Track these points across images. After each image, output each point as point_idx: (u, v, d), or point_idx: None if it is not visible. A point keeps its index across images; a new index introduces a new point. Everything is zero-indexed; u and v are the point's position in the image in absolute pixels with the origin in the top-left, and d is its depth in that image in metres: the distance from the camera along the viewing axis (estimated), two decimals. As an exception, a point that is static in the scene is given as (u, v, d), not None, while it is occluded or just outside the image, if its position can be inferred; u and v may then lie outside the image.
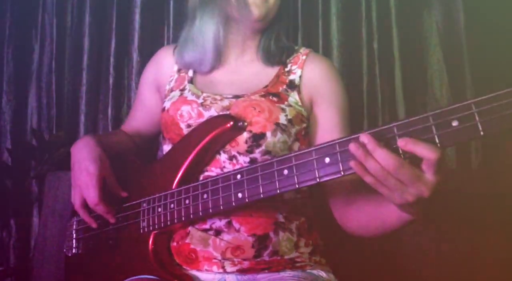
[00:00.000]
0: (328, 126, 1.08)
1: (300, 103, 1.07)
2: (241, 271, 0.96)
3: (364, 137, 0.69)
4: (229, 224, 0.97)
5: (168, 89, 1.16)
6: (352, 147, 0.69)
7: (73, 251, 1.15)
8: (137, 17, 1.77)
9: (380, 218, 0.86)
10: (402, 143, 0.66)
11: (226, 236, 0.96)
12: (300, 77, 1.10)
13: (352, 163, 0.70)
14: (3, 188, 1.71)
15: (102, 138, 1.13)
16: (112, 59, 1.78)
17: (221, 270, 0.96)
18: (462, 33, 1.62)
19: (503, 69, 1.47)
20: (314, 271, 1.01)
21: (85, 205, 1.03)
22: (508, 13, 1.51)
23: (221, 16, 1.10)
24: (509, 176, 1.40)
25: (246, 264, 0.96)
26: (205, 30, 1.11)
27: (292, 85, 1.08)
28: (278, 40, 1.14)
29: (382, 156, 0.67)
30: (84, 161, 1.03)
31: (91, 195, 1.00)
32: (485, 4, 1.58)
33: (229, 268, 0.96)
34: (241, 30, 1.13)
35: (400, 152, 0.68)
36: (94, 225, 1.08)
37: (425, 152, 0.65)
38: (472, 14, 1.61)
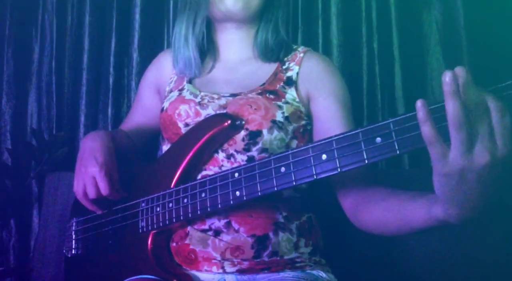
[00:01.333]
0: (329, 117, 1.06)
1: (297, 99, 1.07)
2: (241, 272, 0.96)
3: (460, 69, 0.58)
4: (228, 224, 0.97)
5: (167, 90, 1.17)
6: (448, 75, 0.57)
7: (73, 251, 1.15)
8: (137, 17, 1.76)
9: (405, 216, 0.78)
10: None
11: (225, 237, 0.96)
12: (298, 73, 1.10)
13: (419, 103, 0.60)
14: (3, 188, 1.70)
15: (111, 134, 1.14)
16: (112, 59, 1.77)
17: (220, 271, 0.96)
18: (462, 32, 1.61)
19: (503, 68, 1.47)
20: (314, 272, 1.01)
21: (87, 195, 1.03)
22: (508, 13, 1.51)
23: (200, 20, 1.12)
24: (509, 176, 1.39)
25: (245, 264, 0.96)
26: (181, 39, 1.14)
27: (289, 82, 1.08)
28: (276, 33, 1.14)
29: (476, 92, 0.58)
30: (95, 151, 1.04)
31: (102, 185, 1.00)
32: (485, 4, 1.58)
33: (228, 269, 0.96)
34: (231, 26, 1.14)
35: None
36: (99, 212, 1.07)
37: (489, 99, 0.57)
38: (472, 13, 1.61)
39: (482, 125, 0.58)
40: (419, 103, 0.60)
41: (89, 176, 1.01)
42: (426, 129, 0.60)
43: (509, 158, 0.59)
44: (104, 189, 1.00)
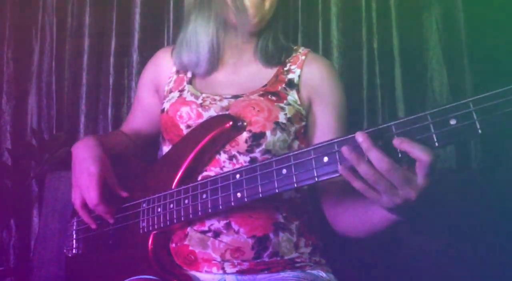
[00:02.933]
0: (323, 126, 1.08)
1: (299, 102, 1.07)
2: (241, 272, 0.96)
3: (360, 136, 0.69)
4: (228, 225, 0.97)
5: (167, 90, 1.16)
6: (345, 150, 0.69)
7: (74, 251, 1.15)
8: (137, 17, 1.77)
9: (367, 219, 0.86)
10: (398, 142, 0.66)
11: (225, 238, 0.96)
12: (299, 76, 1.10)
13: (340, 169, 0.71)
14: (3, 188, 1.71)
15: (103, 139, 1.13)
16: (112, 59, 1.77)
17: (220, 271, 0.96)
18: (462, 32, 1.62)
19: (503, 68, 1.47)
20: (314, 271, 1.01)
21: (85, 205, 1.04)
22: (508, 13, 1.51)
23: (218, 20, 1.10)
24: (509, 176, 1.40)
25: (245, 265, 0.96)
26: (199, 33, 1.12)
27: (291, 84, 1.08)
28: (276, 41, 1.14)
29: (376, 157, 0.67)
30: (85, 161, 1.03)
31: (91, 195, 1.00)
32: (485, 4, 1.58)
33: (228, 269, 0.96)
34: (238, 33, 1.13)
35: (398, 151, 0.67)
36: (93, 226, 1.08)
37: (420, 153, 0.65)
38: (472, 14, 1.61)
39: (396, 175, 0.68)
40: (341, 170, 0.71)
41: (85, 187, 1.02)
42: (357, 185, 0.71)
43: (430, 185, 0.69)
44: (92, 198, 1.00)
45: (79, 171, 1.03)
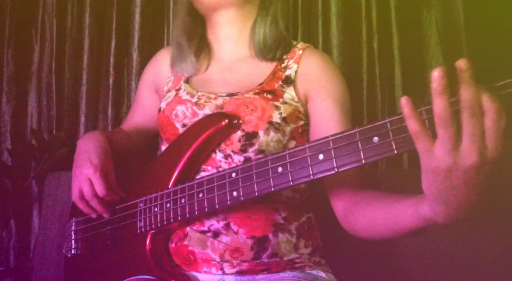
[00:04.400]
0: (326, 120, 1.03)
1: (296, 99, 1.04)
2: (240, 273, 0.96)
3: (462, 63, 0.56)
4: (227, 226, 0.96)
5: (165, 90, 1.17)
6: (437, 73, 0.56)
7: (72, 252, 1.15)
8: (137, 17, 1.77)
9: (395, 216, 0.76)
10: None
11: (224, 238, 0.96)
12: (296, 72, 1.07)
13: (403, 99, 0.60)
14: (3, 188, 1.71)
15: (108, 135, 1.14)
16: (112, 59, 1.77)
17: (220, 272, 0.96)
18: (462, 32, 1.61)
19: (503, 69, 1.46)
20: (314, 272, 1.01)
21: (83, 197, 1.03)
22: (508, 13, 1.51)
23: (184, 11, 1.11)
24: (509, 176, 1.39)
25: (245, 265, 0.95)
26: (174, 34, 1.14)
27: (288, 81, 1.06)
28: (274, 26, 1.10)
29: (473, 90, 0.55)
30: (90, 153, 1.03)
31: (99, 186, 1.00)
32: (485, 4, 1.58)
33: (228, 270, 0.95)
34: (222, 20, 1.11)
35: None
36: (94, 215, 1.07)
37: (486, 98, 0.55)
38: (472, 13, 1.61)
39: (474, 124, 0.56)
40: (403, 100, 0.60)
41: (85, 177, 1.01)
42: (411, 124, 0.60)
43: (497, 160, 0.57)
44: (100, 190, 1.00)
45: (83, 160, 1.03)
